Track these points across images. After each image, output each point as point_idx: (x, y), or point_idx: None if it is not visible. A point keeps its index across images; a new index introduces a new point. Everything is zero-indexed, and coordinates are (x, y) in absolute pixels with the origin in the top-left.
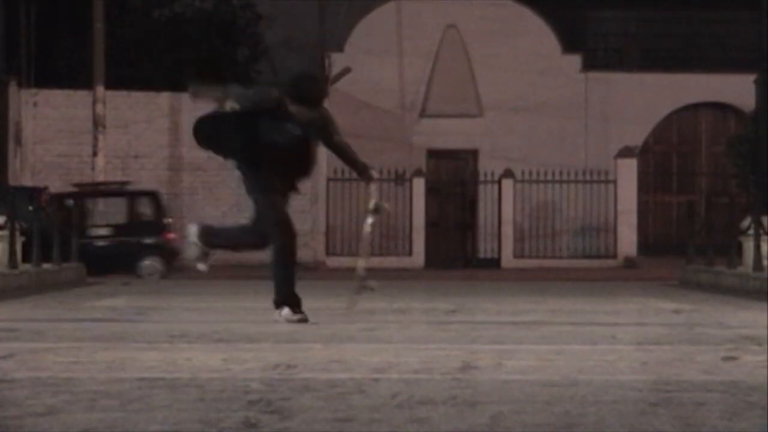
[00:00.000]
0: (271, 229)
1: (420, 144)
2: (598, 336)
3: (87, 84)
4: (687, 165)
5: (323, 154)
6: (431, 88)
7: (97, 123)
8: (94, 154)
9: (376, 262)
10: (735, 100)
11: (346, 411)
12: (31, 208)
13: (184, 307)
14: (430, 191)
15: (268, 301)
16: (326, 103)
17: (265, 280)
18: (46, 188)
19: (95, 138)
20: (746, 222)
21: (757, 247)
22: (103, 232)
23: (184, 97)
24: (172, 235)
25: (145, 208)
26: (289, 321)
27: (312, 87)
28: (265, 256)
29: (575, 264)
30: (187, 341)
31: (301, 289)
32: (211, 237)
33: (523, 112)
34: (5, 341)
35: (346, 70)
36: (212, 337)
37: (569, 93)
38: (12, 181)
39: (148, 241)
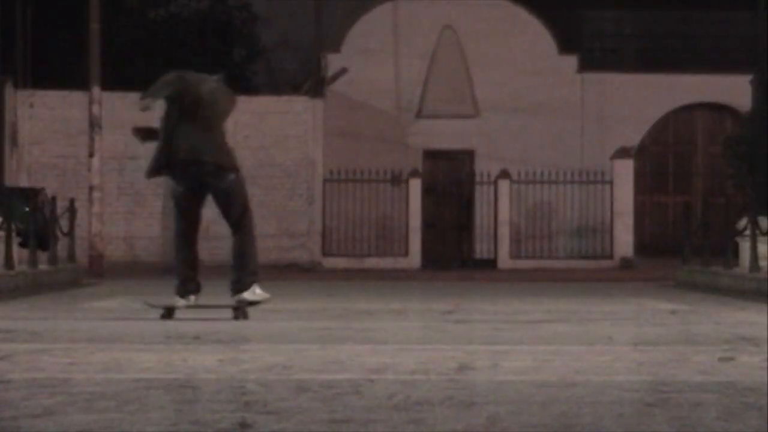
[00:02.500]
0: None
1: (416, 144)
2: (594, 336)
3: (83, 85)
4: (683, 165)
5: (320, 155)
6: (427, 88)
7: (94, 124)
8: (90, 155)
9: (373, 263)
10: (731, 100)
11: (343, 412)
12: (27, 209)
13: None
14: (427, 192)
15: (265, 302)
16: (323, 104)
17: (261, 281)
18: (42, 189)
19: (91, 139)
20: (743, 222)
21: (754, 248)
22: None
23: None
24: None
25: None
26: None
27: None
28: (259, 257)
29: (572, 265)
30: (183, 342)
31: (298, 289)
32: None
33: (520, 113)
34: (1, 342)
35: (343, 71)
36: (208, 338)
37: (565, 93)
38: (8, 182)
39: None
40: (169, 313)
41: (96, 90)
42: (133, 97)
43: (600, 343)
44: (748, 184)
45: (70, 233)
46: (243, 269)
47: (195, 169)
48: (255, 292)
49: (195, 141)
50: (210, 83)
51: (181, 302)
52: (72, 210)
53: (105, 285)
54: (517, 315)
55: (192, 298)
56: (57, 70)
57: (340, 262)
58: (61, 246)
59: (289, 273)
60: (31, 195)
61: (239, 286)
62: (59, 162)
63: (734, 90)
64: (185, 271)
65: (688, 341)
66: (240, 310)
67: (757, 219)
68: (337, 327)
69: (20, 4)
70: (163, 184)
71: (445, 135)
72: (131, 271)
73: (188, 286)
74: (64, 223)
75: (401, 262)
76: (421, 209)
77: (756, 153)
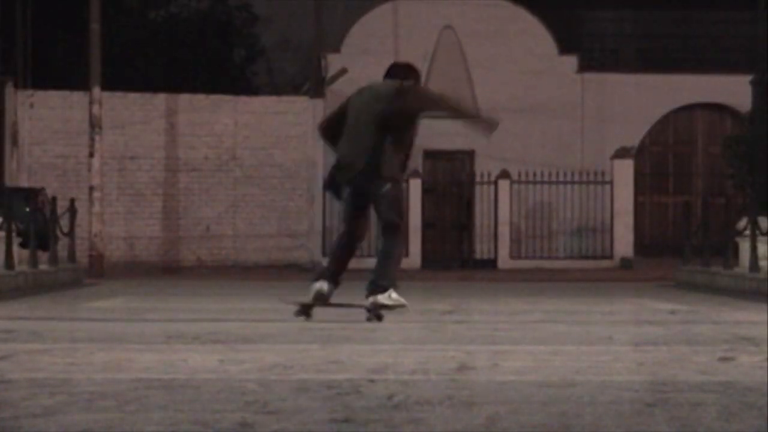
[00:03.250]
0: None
1: (416, 144)
2: (594, 337)
3: (83, 85)
4: (683, 166)
5: (320, 155)
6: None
7: (94, 124)
8: (91, 155)
9: (373, 263)
10: (731, 100)
11: (343, 412)
12: (27, 209)
13: (180, 308)
14: (427, 192)
15: (264, 302)
16: (323, 104)
17: (261, 282)
18: (42, 189)
19: (91, 139)
20: (742, 222)
21: (754, 248)
22: None
23: (181, 98)
24: None
25: None
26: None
27: None
28: (259, 257)
29: (571, 265)
30: (184, 342)
31: (297, 290)
32: None
33: (520, 113)
34: (2, 342)
35: (343, 71)
36: (208, 338)
37: (565, 94)
38: (8, 182)
39: None
40: (304, 310)
41: (96, 90)
42: (133, 97)
43: (600, 343)
44: (748, 184)
45: (70, 233)
46: (382, 273)
47: (356, 177)
48: (391, 297)
49: (355, 150)
50: (376, 90)
51: (316, 285)
52: (72, 210)
53: (105, 285)
54: (517, 315)
55: (326, 286)
56: (57, 70)
57: None
58: (62, 246)
59: (289, 273)
60: (31, 195)
61: (376, 289)
62: (59, 162)
63: (734, 90)
64: (332, 264)
65: (688, 341)
66: (373, 312)
67: (757, 219)
68: (337, 327)
69: (20, 4)
70: (162, 184)
71: (446, 135)
72: (131, 271)
73: (329, 274)
74: (64, 223)
75: (401, 262)
76: (422, 209)
77: (756, 153)
